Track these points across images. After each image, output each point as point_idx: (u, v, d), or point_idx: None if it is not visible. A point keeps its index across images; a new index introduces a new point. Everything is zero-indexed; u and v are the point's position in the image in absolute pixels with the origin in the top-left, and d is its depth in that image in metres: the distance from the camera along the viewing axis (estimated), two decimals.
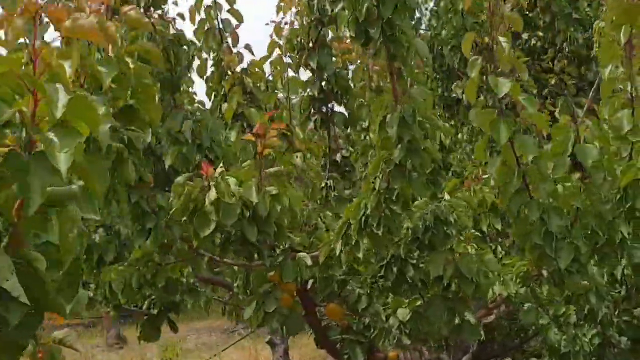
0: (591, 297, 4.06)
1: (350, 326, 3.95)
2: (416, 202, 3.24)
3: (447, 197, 3.27)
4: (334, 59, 4.45)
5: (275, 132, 3.09)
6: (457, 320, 3.38)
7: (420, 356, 5.40)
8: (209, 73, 4.68)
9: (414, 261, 3.30)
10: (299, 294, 3.67)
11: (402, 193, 3.02)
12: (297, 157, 4.77)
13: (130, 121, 2.09)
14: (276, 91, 4.74)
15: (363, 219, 3.08)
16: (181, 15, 5.16)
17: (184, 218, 2.90)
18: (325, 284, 3.60)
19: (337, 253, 3.20)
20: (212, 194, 2.80)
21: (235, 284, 3.73)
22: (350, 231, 3.12)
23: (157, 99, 2.06)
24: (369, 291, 3.49)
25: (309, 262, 3.26)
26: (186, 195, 2.83)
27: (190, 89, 4.69)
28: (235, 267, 3.66)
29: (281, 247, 3.32)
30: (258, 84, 4.76)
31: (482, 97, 3.11)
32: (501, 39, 2.94)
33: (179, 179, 2.92)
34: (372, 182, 3.02)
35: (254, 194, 2.96)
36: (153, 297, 4.30)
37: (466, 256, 3.15)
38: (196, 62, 5.05)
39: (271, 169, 3.08)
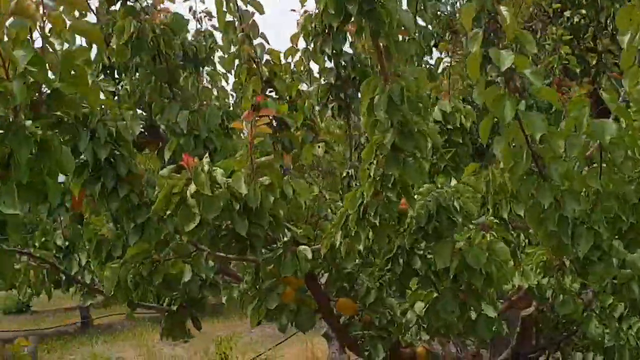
0: (634, 287, 3.75)
1: (372, 321, 3.77)
2: (420, 189, 3.03)
3: (453, 183, 3.04)
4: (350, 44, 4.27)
5: (265, 119, 2.94)
6: (472, 315, 3.17)
7: (459, 351, 5.15)
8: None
9: (421, 252, 3.10)
10: (311, 288, 3.51)
11: (399, 180, 2.82)
12: (319, 147, 4.62)
13: (58, 106, 1.97)
14: (293, 80, 4.59)
15: (361, 208, 2.90)
16: (209, 13, 5.10)
17: (169, 212, 2.78)
18: (335, 278, 3.43)
19: (337, 245, 3.03)
20: (192, 186, 2.67)
21: (244, 279, 3.60)
22: (349, 222, 2.94)
23: (90, 81, 1.93)
24: (378, 284, 3.30)
25: (309, 256, 3.10)
26: (167, 188, 2.71)
27: (218, 83, 4.62)
28: (245, 262, 3.54)
29: (283, 240, 3.17)
30: (280, 74, 4.64)
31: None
32: (502, 8, 2.70)
33: (164, 171, 2.81)
34: (367, 169, 2.83)
35: (242, 185, 2.82)
36: (175, 293, 4.25)
37: (473, 245, 2.92)
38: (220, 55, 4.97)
39: (262, 158, 2.93)
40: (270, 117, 2.96)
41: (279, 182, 2.95)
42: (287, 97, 4.87)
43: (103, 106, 2.92)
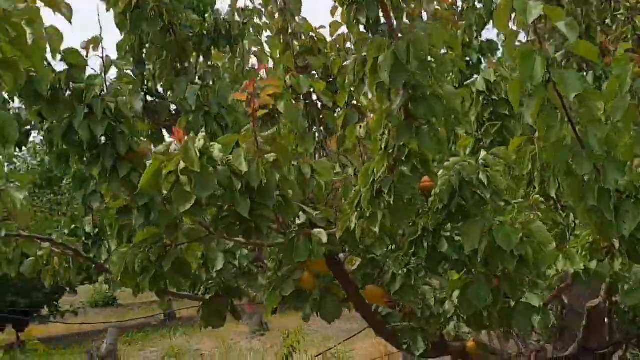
0: None
1: (413, 312, 3.47)
2: (446, 163, 2.70)
3: (482, 154, 2.68)
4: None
5: (270, 90, 2.69)
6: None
7: (521, 346, 4.74)
8: None
9: (448, 234, 2.77)
10: (336, 275, 3.25)
11: (414, 152, 2.51)
12: (360, 127, 4.34)
13: None
14: (332, 57, 4.33)
15: (375, 186, 2.60)
16: None
17: (166, 192, 2.57)
18: (360, 264, 3.15)
19: (352, 227, 2.75)
20: (181, 163, 2.45)
21: (268, 265, 3.37)
22: (362, 201, 2.65)
23: (30, 40, 1.74)
24: (405, 270, 2.99)
25: (324, 239, 2.82)
26: (155, 164, 2.50)
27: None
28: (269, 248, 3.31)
29: (297, 223, 2.91)
30: (318, 48, 4.40)
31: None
32: None
33: (160, 147, 2.60)
34: (379, 141, 2.54)
35: (243, 162, 2.58)
36: (211, 281, 4.09)
37: (503, 224, 2.57)
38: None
39: (266, 132, 2.68)
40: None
41: (285, 159, 2.70)
42: (330, 75, 4.62)
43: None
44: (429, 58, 2.36)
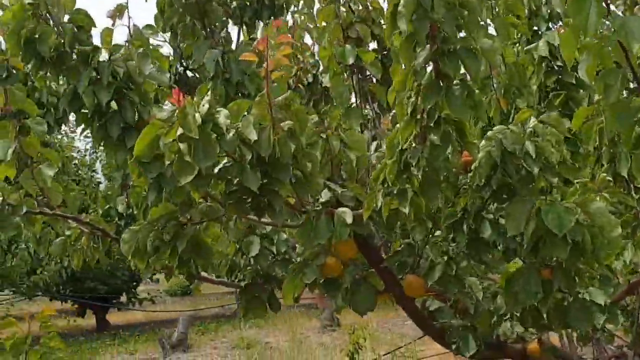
0: None
1: (466, 308, 3.09)
2: (489, 133, 2.31)
3: (532, 120, 2.26)
4: None
5: (286, 49, 2.37)
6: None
7: (598, 351, 4.24)
8: None
9: (491, 216, 2.38)
10: (370, 261, 2.90)
11: (448, 118, 2.14)
12: None
13: None
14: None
15: (402, 157, 2.24)
16: None
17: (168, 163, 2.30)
18: (396, 250, 2.80)
19: (379, 206, 2.40)
20: (179, 129, 2.17)
21: (297, 250, 3.07)
22: (387, 175, 2.30)
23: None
24: (446, 258, 2.62)
25: (349, 219, 2.48)
26: (151, 130, 2.23)
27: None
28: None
29: (322, 200, 2.59)
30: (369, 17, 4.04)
31: None
32: None
33: (162, 112, 2.33)
34: (405, 104, 2.18)
35: (252, 130, 2.28)
36: (249, 267, 3.82)
37: (554, 204, 2.15)
38: None
39: (280, 98, 2.36)
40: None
41: (302, 128, 2.37)
42: (385, 47, 4.26)
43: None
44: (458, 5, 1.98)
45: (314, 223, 2.48)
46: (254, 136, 2.27)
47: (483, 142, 2.29)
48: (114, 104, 2.65)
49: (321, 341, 11.45)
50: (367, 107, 3.96)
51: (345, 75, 3.70)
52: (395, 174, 2.27)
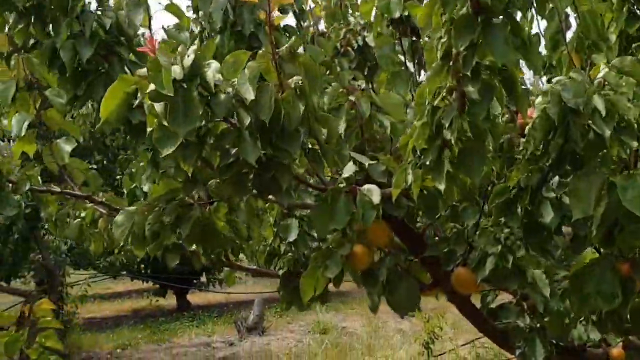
0: None
1: (535, 307, 2.58)
2: (546, 86, 1.78)
3: (604, 68, 1.72)
4: None
5: None
6: None
7: None
8: None
9: (552, 194, 1.86)
10: (414, 252, 2.43)
11: (489, 65, 1.64)
12: None
13: None
14: None
15: (434, 118, 1.76)
16: None
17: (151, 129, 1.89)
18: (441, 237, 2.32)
19: (408, 182, 1.92)
20: (151, 85, 1.75)
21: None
22: (415, 141, 1.82)
23: None
24: (499, 248, 2.11)
25: (376, 199, 2.02)
26: (119, 86, 1.83)
27: None
28: None
29: (345, 176, 2.13)
30: None
31: None
32: None
33: (142, 69, 1.92)
34: (436, 48, 1.68)
35: (248, 87, 1.84)
36: (289, 254, 3.42)
37: (635, 178, 1.61)
38: None
39: (285, 47, 1.91)
40: None
41: (312, 85, 1.91)
42: None
43: None
44: None
45: (331, 204, 2.02)
46: (250, 95, 1.83)
47: (539, 97, 1.77)
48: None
49: (400, 327, 10.97)
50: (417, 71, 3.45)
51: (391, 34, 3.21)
52: (426, 139, 1.79)
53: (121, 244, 2.43)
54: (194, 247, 2.68)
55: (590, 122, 1.64)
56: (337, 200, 2.03)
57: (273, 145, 1.92)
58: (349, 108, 2.26)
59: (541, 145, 1.75)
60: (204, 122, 1.87)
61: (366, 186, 2.06)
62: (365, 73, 3.54)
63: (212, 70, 1.86)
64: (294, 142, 1.91)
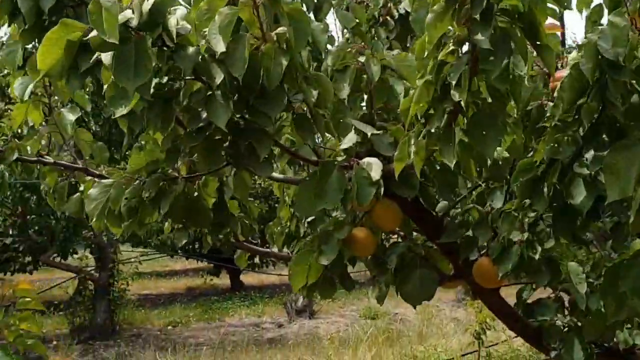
0: None
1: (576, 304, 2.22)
2: (582, 39, 1.43)
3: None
4: None
5: None
6: None
7: None
8: None
9: (585, 170, 1.50)
10: (432, 238, 2.10)
11: (506, 8, 1.30)
12: None
13: None
14: None
15: (439, 77, 1.42)
16: None
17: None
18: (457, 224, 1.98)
19: (411, 156, 1.59)
20: (92, 32, 1.47)
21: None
22: (416, 104, 1.49)
23: None
24: (523, 236, 1.76)
25: (377, 175, 1.70)
26: (56, 34, 1.56)
27: None
28: None
29: (344, 147, 1.82)
30: None
31: None
32: None
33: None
34: None
35: (219, 38, 1.55)
36: (309, 236, 3.13)
37: None
38: None
39: None
40: None
41: (299, 36, 1.60)
42: None
43: None
44: None
45: (322, 179, 1.71)
46: (220, 47, 1.54)
47: (573, 53, 1.41)
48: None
49: (455, 316, 10.58)
50: None
51: None
52: (430, 102, 1.46)
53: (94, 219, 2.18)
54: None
55: (634, 80, 1.28)
56: (328, 175, 1.71)
57: (251, 108, 1.63)
58: (356, 71, 1.94)
59: (572, 111, 1.39)
60: (167, 80, 1.59)
61: (366, 159, 1.74)
62: (408, 45, 3.23)
63: (177, 17, 1.57)
64: (275, 104, 1.61)
